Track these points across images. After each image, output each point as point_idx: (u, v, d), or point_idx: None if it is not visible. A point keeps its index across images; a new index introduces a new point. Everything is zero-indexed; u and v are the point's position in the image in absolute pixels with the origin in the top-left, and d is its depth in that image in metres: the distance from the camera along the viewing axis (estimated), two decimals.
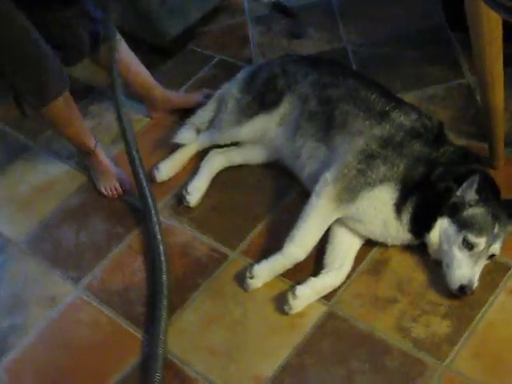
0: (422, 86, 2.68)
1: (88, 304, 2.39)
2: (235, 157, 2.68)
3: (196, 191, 2.59)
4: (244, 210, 2.53)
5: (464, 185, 2.10)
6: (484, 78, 2.12)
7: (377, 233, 2.24)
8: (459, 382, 1.93)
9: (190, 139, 2.71)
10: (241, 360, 2.13)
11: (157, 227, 2.41)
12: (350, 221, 2.26)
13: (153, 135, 2.91)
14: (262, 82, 2.60)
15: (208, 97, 2.85)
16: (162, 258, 2.33)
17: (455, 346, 2.00)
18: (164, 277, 2.29)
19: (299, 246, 2.24)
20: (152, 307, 2.26)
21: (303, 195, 2.40)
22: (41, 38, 2.39)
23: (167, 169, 2.69)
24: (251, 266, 2.28)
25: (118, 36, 2.69)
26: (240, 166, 2.67)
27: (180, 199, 2.60)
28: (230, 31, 3.29)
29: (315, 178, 2.31)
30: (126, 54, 2.77)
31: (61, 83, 2.49)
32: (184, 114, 2.87)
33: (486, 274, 2.11)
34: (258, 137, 2.58)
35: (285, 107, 2.52)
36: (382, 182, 2.19)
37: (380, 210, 2.19)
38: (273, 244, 2.33)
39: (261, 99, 2.57)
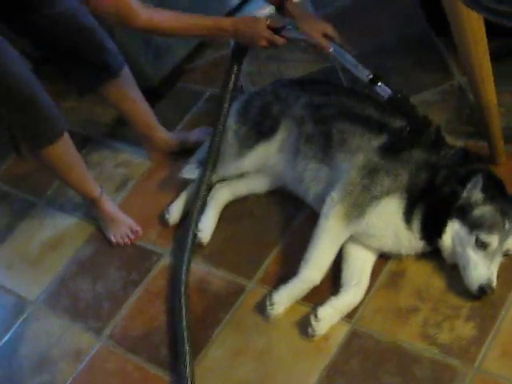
0: (414, 92, 2.67)
1: (113, 353, 2.41)
2: (240, 188, 2.68)
3: (207, 228, 2.59)
4: (255, 240, 2.54)
5: (468, 186, 2.11)
6: (474, 78, 2.13)
7: (389, 245, 2.24)
8: (492, 381, 1.92)
9: (196, 173, 2.70)
10: None
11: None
12: (362, 236, 2.26)
13: (157, 177, 2.93)
14: (256, 111, 2.61)
15: (207, 133, 2.86)
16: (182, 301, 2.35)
17: (482, 347, 1.99)
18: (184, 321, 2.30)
19: (314, 269, 2.25)
20: (175, 351, 2.27)
21: (312, 217, 2.40)
22: (30, 75, 2.39)
23: (178, 210, 2.70)
24: (270, 294, 2.28)
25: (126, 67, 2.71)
26: (246, 197, 2.68)
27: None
28: (217, 64, 3.30)
29: (321, 199, 2.31)
30: (132, 90, 2.77)
31: (56, 126, 2.47)
32: (183, 153, 2.89)
33: (502, 270, 2.10)
34: (261, 165, 2.59)
35: (282, 133, 2.53)
36: (387, 194, 2.20)
37: (389, 222, 2.20)
38: (289, 269, 2.32)
39: (258, 128, 2.58)
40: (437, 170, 2.19)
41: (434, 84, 2.76)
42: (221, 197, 2.67)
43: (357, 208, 2.21)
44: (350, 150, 2.31)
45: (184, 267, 2.43)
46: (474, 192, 2.11)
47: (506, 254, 2.12)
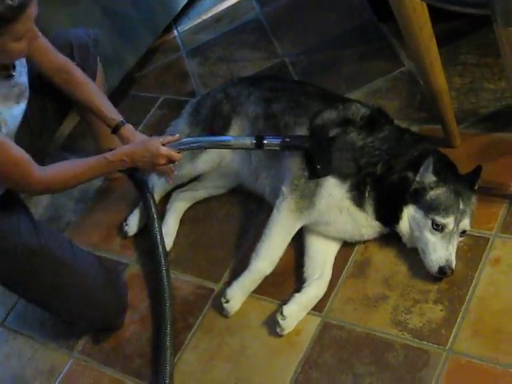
0: (366, 82, 2.72)
1: (87, 368, 2.38)
2: (198, 192, 2.68)
3: (168, 235, 2.58)
4: (219, 242, 2.53)
5: (421, 170, 2.12)
6: (422, 63, 2.15)
7: (348, 230, 2.25)
8: (465, 362, 1.94)
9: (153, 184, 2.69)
10: None
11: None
12: (320, 227, 2.28)
13: (114, 189, 2.91)
14: (207, 112, 2.61)
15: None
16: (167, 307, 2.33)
17: (453, 328, 2.01)
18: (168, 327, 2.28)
19: (265, 260, 2.26)
20: (156, 355, 2.26)
21: None
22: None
23: (136, 221, 2.68)
24: (224, 290, 2.29)
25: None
26: (207, 199, 2.67)
27: None
28: (167, 69, 3.31)
29: (277, 194, 2.32)
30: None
31: (118, 307, 2.40)
32: None
33: (466, 251, 2.14)
34: (216, 165, 2.58)
35: (234, 130, 2.53)
36: (326, 177, 2.22)
37: (340, 206, 2.22)
38: None
39: (210, 128, 2.57)
40: (373, 153, 2.21)
41: (384, 72, 2.79)
42: (179, 203, 2.66)
43: (305, 199, 2.23)
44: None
45: (164, 274, 2.40)
46: (426, 175, 2.12)
47: (463, 235, 2.14)
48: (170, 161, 2.27)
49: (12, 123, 2.11)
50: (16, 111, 2.14)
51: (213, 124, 2.57)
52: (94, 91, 2.42)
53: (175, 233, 2.61)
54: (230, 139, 2.37)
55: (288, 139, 2.26)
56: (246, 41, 3.29)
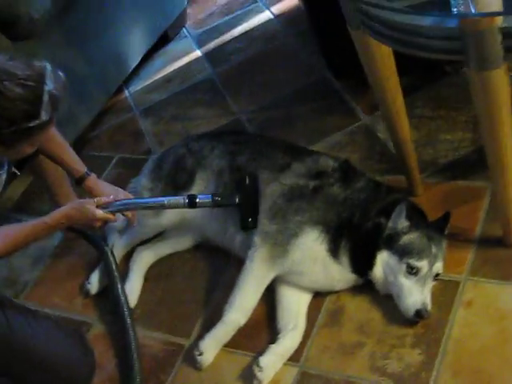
0: (324, 136, 2.78)
1: None
2: (161, 248, 2.65)
3: (132, 292, 2.53)
4: (187, 297, 2.49)
5: (393, 215, 2.17)
6: (388, 112, 2.22)
7: (321, 281, 2.26)
8: None
9: (114, 241, 2.66)
10: None
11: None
12: (293, 276, 2.27)
13: (73, 247, 2.83)
14: (170, 167, 2.61)
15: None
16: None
17: (433, 371, 2.02)
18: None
19: (239, 312, 2.25)
20: None
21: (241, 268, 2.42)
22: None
23: (98, 280, 2.61)
24: (196, 343, 2.25)
25: None
26: (171, 255, 2.64)
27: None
28: (120, 129, 3.30)
29: (248, 246, 2.32)
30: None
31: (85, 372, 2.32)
32: None
33: (438, 295, 2.17)
34: (180, 221, 2.56)
35: (199, 184, 2.52)
36: (302, 229, 2.23)
37: (315, 257, 2.23)
38: None
39: (173, 182, 2.56)
40: (351, 204, 2.25)
41: (341, 126, 2.85)
42: (143, 260, 2.62)
43: (278, 247, 2.24)
44: (261, 195, 2.33)
45: (131, 333, 2.35)
46: (399, 221, 2.17)
47: (436, 278, 2.17)
48: (106, 222, 2.29)
49: None
50: None
51: (176, 179, 2.56)
52: (58, 142, 2.41)
53: (139, 289, 2.56)
54: (163, 200, 2.35)
55: (218, 198, 2.29)
56: (199, 99, 3.32)
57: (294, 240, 2.23)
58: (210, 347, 2.24)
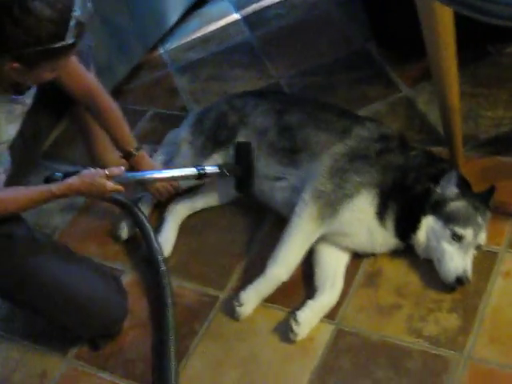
0: (363, 105, 2.79)
1: (83, 373, 2.29)
2: (196, 203, 2.66)
3: (167, 242, 2.54)
4: (222, 251, 2.51)
5: (443, 181, 2.20)
6: (442, 82, 2.24)
7: (364, 243, 2.29)
8: (483, 368, 1.99)
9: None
10: None
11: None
12: (336, 236, 2.30)
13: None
14: (212, 122, 2.62)
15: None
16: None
17: (470, 336, 2.06)
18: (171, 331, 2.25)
19: (282, 267, 2.26)
20: (159, 360, 2.21)
21: (278, 225, 2.43)
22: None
23: (129, 225, 2.63)
24: (237, 294, 2.27)
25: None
26: (205, 210, 2.65)
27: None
28: (156, 84, 3.30)
29: (289, 203, 2.35)
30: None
31: (120, 314, 2.34)
32: None
33: (477, 264, 2.19)
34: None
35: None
36: (358, 191, 2.25)
37: (363, 220, 2.25)
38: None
39: (214, 138, 2.58)
40: (406, 170, 2.27)
41: (381, 97, 2.87)
42: (178, 211, 2.63)
43: (329, 207, 2.25)
44: (317, 153, 2.36)
45: (165, 281, 2.37)
46: (448, 187, 2.20)
47: (477, 248, 2.21)
48: (117, 192, 2.31)
49: (7, 139, 2.09)
50: (12, 129, 2.11)
51: (216, 135, 2.58)
52: (115, 119, 2.47)
53: (173, 240, 2.57)
54: (173, 172, 2.46)
55: (224, 169, 2.44)
56: (238, 61, 3.32)
57: (347, 201, 2.24)
58: (251, 299, 2.26)
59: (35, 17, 1.78)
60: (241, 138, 2.54)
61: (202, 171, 2.40)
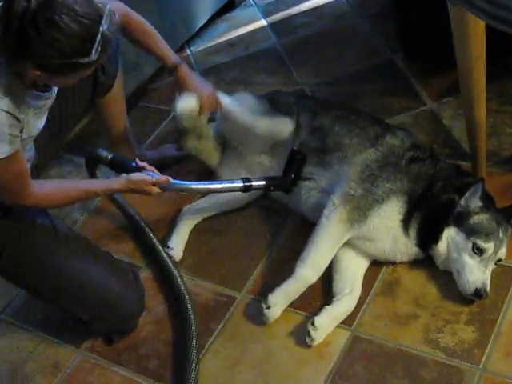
0: (388, 116, 2.78)
1: (96, 365, 2.31)
2: (209, 209, 2.65)
3: (178, 245, 2.56)
4: (240, 253, 2.53)
5: (468, 193, 2.22)
6: (470, 94, 2.26)
7: (387, 250, 2.30)
8: (498, 381, 2.00)
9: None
10: None
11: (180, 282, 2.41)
12: (360, 241, 2.31)
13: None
14: (271, 99, 2.66)
15: (179, 149, 2.84)
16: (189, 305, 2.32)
17: (486, 349, 2.06)
18: (193, 326, 2.27)
19: (311, 268, 2.26)
20: (182, 356, 2.22)
21: (298, 230, 2.46)
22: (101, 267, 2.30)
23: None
24: (265, 297, 2.26)
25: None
26: (227, 212, 2.65)
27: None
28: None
29: (314, 204, 2.38)
30: (121, 102, 2.70)
31: (137, 309, 2.36)
32: None
33: (495, 278, 2.20)
34: (270, 140, 2.56)
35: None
36: (388, 197, 2.27)
37: (390, 227, 2.27)
38: (279, 280, 2.30)
39: (276, 107, 2.60)
40: (434, 180, 2.29)
41: (406, 109, 2.88)
42: (190, 216, 2.64)
43: (359, 211, 2.26)
44: (348, 157, 2.38)
45: (179, 279, 2.40)
46: (472, 199, 2.21)
47: (497, 263, 2.22)
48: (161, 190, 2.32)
49: (35, 133, 2.10)
50: (40, 123, 2.12)
51: (279, 107, 2.59)
52: (149, 33, 2.47)
53: (183, 245, 2.58)
54: (218, 184, 2.46)
55: (270, 181, 2.44)
56: (263, 66, 3.34)
57: (376, 206, 2.26)
58: (279, 302, 2.25)
59: (61, 31, 1.75)
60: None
61: (247, 184, 2.39)
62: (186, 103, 2.48)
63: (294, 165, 2.45)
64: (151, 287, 2.48)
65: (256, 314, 2.29)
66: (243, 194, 2.49)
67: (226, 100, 2.55)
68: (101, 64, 2.48)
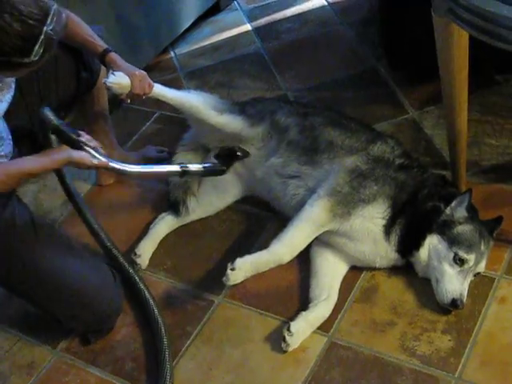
0: (371, 123, 2.78)
1: (72, 366, 2.30)
2: (183, 217, 2.64)
3: (145, 253, 2.55)
4: (219, 256, 2.52)
5: (454, 202, 2.23)
6: (452, 104, 2.27)
7: (366, 253, 2.30)
8: None
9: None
10: None
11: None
12: (342, 239, 2.30)
13: (105, 192, 2.87)
14: (239, 103, 2.67)
15: (161, 151, 2.84)
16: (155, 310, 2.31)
17: (462, 358, 2.07)
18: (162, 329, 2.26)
19: (287, 246, 2.23)
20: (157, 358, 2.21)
21: (277, 234, 2.45)
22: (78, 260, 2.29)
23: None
24: (233, 259, 2.18)
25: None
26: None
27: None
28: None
29: (299, 202, 2.36)
30: (102, 102, 2.69)
31: (115, 309, 2.34)
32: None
33: (473, 287, 2.21)
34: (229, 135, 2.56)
35: (263, 129, 2.54)
36: (375, 198, 2.27)
37: (371, 230, 2.27)
38: (257, 285, 2.32)
39: (242, 108, 2.60)
40: (420, 188, 2.30)
41: (388, 117, 2.90)
42: (162, 226, 2.62)
43: (343, 207, 2.26)
44: (338, 156, 2.38)
45: (142, 284, 2.39)
46: (458, 209, 2.22)
47: (475, 276, 2.22)
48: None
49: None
50: (8, 95, 2.09)
51: (245, 107, 2.60)
52: (77, 21, 2.39)
53: (151, 254, 2.56)
54: (156, 169, 2.42)
55: (207, 165, 2.37)
56: (247, 71, 3.36)
57: (361, 206, 2.26)
58: (245, 267, 2.16)
59: (3, 30, 1.72)
60: (266, 126, 2.54)
61: (185, 168, 2.32)
62: (119, 77, 2.40)
63: (235, 159, 2.40)
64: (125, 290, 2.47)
65: (234, 318, 2.30)
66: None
67: (158, 85, 2.53)
68: (84, 60, 2.49)
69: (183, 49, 3.63)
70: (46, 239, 2.24)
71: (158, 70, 3.46)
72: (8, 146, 2.19)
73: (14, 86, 2.12)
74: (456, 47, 2.11)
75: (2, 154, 2.18)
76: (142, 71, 2.47)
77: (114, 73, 2.38)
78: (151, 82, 2.48)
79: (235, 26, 3.71)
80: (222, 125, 2.55)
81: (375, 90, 3.06)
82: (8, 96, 2.10)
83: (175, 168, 2.34)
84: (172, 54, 3.59)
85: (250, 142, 2.54)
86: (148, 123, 3.14)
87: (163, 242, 2.60)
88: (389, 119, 2.88)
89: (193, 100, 2.56)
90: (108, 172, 2.76)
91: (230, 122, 2.55)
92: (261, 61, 3.41)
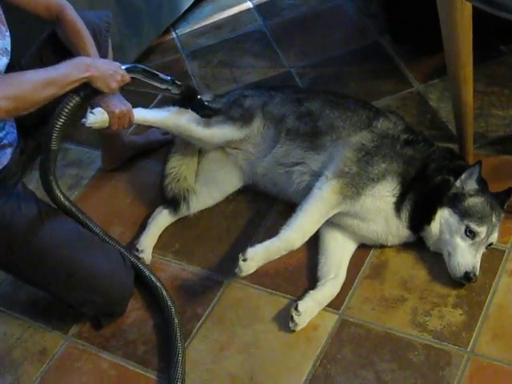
0: (375, 98, 2.78)
1: (83, 351, 2.30)
2: (180, 211, 2.59)
3: (147, 248, 2.53)
4: (227, 237, 2.52)
5: (464, 175, 2.21)
6: (457, 76, 2.24)
7: (378, 232, 2.29)
8: (486, 363, 1.99)
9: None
10: (264, 381, 2.10)
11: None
12: (354, 221, 2.28)
13: (110, 176, 2.87)
14: (226, 102, 2.59)
15: (165, 133, 2.83)
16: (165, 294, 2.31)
17: (473, 332, 2.06)
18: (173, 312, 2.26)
19: (297, 232, 2.20)
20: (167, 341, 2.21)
21: (284, 215, 2.43)
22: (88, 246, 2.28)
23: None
24: (244, 249, 2.15)
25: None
26: None
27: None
28: (167, 68, 3.27)
29: (306, 189, 2.33)
30: None
31: (126, 292, 2.34)
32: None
33: (483, 261, 2.19)
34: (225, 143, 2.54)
35: (257, 125, 2.51)
36: (384, 176, 2.25)
37: (382, 208, 2.25)
38: (266, 265, 2.26)
39: (227, 113, 2.53)
40: (428, 162, 2.28)
41: (392, 91, 2.88)
42: (161, 219, 2.60)
43: (352, 188, 2.24)
44: (342, 137, 2.36)
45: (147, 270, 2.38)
46: (468, 182, 2.21)
47: (488, 247, 2.21)
48: (123, 81, 2.27)
49: None
50: None
51: (231, 110, 2.53)
52: (81, 35, 2.36)
53: (152, 248, 2.54)
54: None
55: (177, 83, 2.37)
56: (249, 49, 3.33)
57: (371, 186, 2.24)
58: (257, 257, 2.14)
59: None
60: (258, 122, 2.51)
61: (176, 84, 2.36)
62: (97, 115, 2.33)
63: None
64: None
65: (244, 299, 2.30)
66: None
67: (139, 111, 2.50)
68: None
69: (185, 29, 3.60)
70: (53, 226, 2.24)
71: (160, 52, 3.45)
72: (12, 134, 2.18)
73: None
74: (459, 19, 2.08)
75: (6, 142, 2.17)
76: (124, 105, 2.41)
77: (93, 111, 2.32)
78: (132, 115, 2.42)
79: (236, 4, 3.68)
80: (211, 136, 2.49)
81: (379, 64, 3.03)
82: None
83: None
84: (174, 34, 3.57)
85: (246, 141, 2.52)
86: (151, 105, 3.09)
87: (170, 224, 2.59)
88: (393, 93, 2.86)
89: (177, 119, 2.49)
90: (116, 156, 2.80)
91: (219, 133, 2.49)
92: (263, 38, 3.38)
